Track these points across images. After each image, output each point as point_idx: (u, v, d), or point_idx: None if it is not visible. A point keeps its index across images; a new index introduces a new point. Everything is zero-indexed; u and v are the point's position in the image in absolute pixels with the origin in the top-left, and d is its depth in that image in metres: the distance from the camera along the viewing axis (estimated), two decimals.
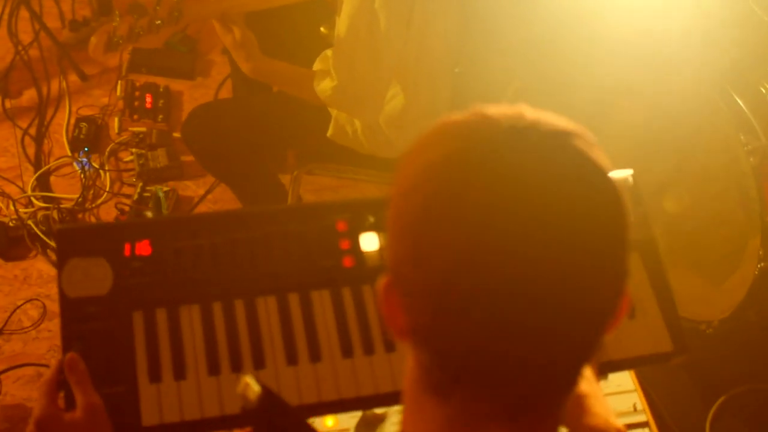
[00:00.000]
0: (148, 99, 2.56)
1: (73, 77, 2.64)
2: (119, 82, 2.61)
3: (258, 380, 0.75)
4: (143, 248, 1.06)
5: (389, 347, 1.04)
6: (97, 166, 2.42)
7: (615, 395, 1.16)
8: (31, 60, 2.64)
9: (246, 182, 2.01)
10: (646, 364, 1.07)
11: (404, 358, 0.67)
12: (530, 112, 0.60)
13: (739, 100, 1.75)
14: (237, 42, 1.69)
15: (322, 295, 1.07)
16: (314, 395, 1.01)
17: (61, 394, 0.98)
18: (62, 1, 2.73)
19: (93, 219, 2.34)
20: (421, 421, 0.64)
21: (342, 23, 1.64)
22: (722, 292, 1.87)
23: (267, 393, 0.74)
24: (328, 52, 1.76)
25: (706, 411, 1.88)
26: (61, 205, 2.32)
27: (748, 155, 1.73)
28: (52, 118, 2.55)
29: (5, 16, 2.60)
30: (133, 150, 2.45)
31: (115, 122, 2.52)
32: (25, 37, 2.66)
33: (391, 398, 1.01)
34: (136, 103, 2.55)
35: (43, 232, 2.22)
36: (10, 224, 2.25)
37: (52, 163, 2.44)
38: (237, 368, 1.02)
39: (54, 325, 2.09)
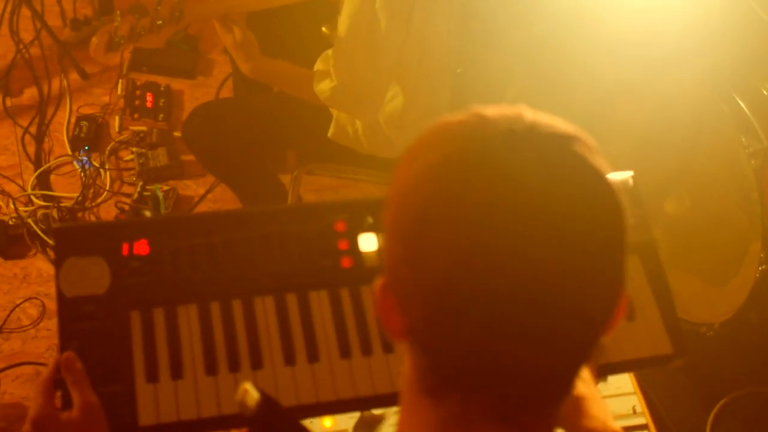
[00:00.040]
0: (149, 98, 2.56)
1: (74, 76, 2.64)
2: (120, 80, 2.60)
3: (257, 387, 0.74)
4: (141, 248, 1.05)
5: (387, 348, 1.04)
6: (97, 165, 2.42)
7: (614, 397, 1.16)
8: (32, 58, 2.64)
9: (246, 182, 2.01)
10: (646, 366, 1.06)
11: (402, 359, 0.66)
12: (529, 113, 0.59)
13: (740, 102, 1.75)
14: (237, 42, 1.69)
15: (320, 296, 1.06)
16: (312, 396, 1.00)
17: (58, 394, 0.98)
18: (64, 0, 2.73)
19: (93, 218, 2.34)
20: (416, 423, 0.64)
21: (342, 23, 1.64)
22: (723, 295, 1.87)
23: (266, 399, 0.74)
24: (330, 52, 1.75)
25: (706, 414, 1.88)
26: (61, 204, 2.32)
27: (749, 157, 1.73)
28: (52, 116, 2.55)
29: (7, 15, 2.60)
30: (134, 149, 2.45)
31: (116, 121, 2.51)
32: (27, 35, 2.66)
33: (388, 399, 1.01)
34: (137, 102, 2.55)
35: (42, 231, 2.22)
36: (10, 222, 2.25)
37: (53, 162, 2.44)
38: (234, 368, 1.01)
39: (53, 324, 2.08)
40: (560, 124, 0.59)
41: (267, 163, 2.00)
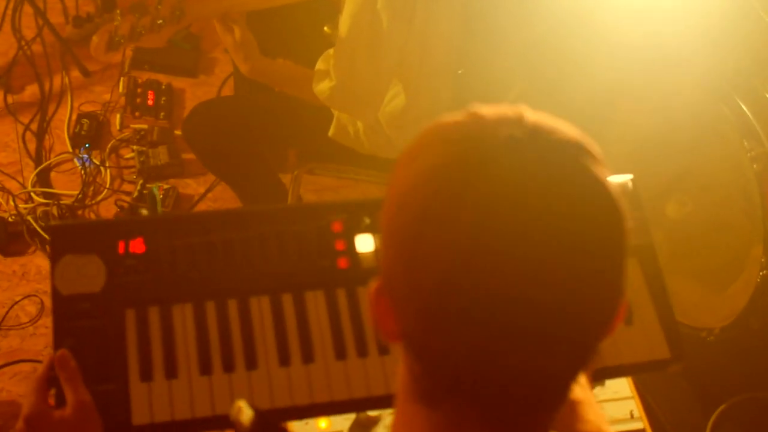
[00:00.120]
0: (150, 96, 2.55)
1: (76, 73, 2.64)
2: (121, 78, 2.60)
3: (251, 404, 0.74)
4: (137, 246, 1.05)
5: (383, 350, 1.04)
6: (97, 163, 2.42)
7: (612, 402, 1.15)
8: (33, 55, 2.64)
9: (246, 181, 2.00)
10: (643, 371, 1.05)
11: (398, 361, 0.66)
12: (530, 114, 0.58)
13: (743, 106, 1.74)
14: (236, 42, 1.69)
15: (317, 296, 1.06)
16: (306, 397, 1.00)
17: (52, 392, 0.98)
18: None
19: (93, 216, 2.34)
20: (410, 427, 0.63)
21: (344, 22, 1.63)
22: (724, 299, 1.86)
23: (260, 417, 0.74)
24: (331, 51, 1.75)
25: (705, 419, 1.87)
26: (61, 201, 2.31)
27: (751, 161, 1.72)
28: (53, 113, 2.55)
29: (9, 12, 2.60)
30: (134, 147, 2.44)
31: (117, 119, 2.51)
32: (29, 32, 2.66)
33: (384, 401, 1.00)
34: (138, 100, 2.55)
35: (42, 228, 2.22)
36: (10, 220, 2.24)
37: (53, 159, 2.44)
38: (229, 368, 1.01)
39: (52, 322, 2.08)
40: (561, 125, 0.59)
41: (267, 162, 2.00)
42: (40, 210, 2.27)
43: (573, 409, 0.86)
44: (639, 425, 1.13)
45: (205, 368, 1.01)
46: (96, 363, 0.99)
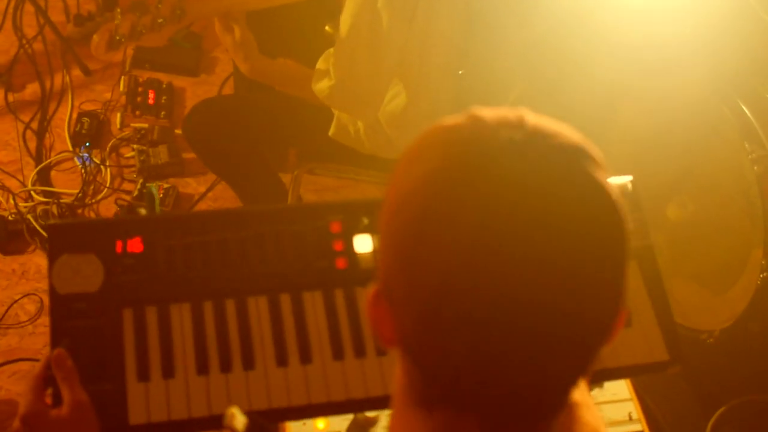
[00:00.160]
0: (151, 95, 2.55)
1: (77, 72, 2.64)
2: (122, 77, 2.60)
3: (244, 411, 0.74)
4: (135, 245, 1.05)
5: (380, 351, 1.03)
6: (98, 162, 2.42)
7: (610, 404, 1.14)
8: (34, 54, 2.64)
9: (246, 180, 2.00)
10: (642, 373, 1.05)
11: (395, 363, 0.65)
12: (530, 117, 0.58)
13: (744, 107, 1.73)
14: (236, 42, 1.69)
15: (315, 297, 1.06)
16: (304, 397, 1.00)
17: (49, 391, 0.97)
18: None
19: (92, 215, 2.33)
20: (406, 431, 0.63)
21: (344, 22, 1.63)
22: (724, 302, 1.86)
23: (253, 422, 0.74)
24: (331, 50, 1.75)
25: (705, 421, 1.86)
26: (61, 200, 2.31)
27: (752, 164, 1.71)
28: (54, 112, 2.55)
29: (10, 10, 2.60)
30: (135, 146, 2.44)
31: (117, 118, 2.51)
32: (30, 30, 2.66)
33: (381, 402, 1.00)
34: (139, 99, 2.55)
35: (42, 227, 2.22)
36: (10, 218, 2.24)
37: (53, 158, 2.44)
38: (226, 368, 1.01)
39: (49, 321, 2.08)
40: (561, 128, 0.58)
41: (267, 162, 2.00)
42: (40, 209, 2.27)
43: (570, 411, 0.86)
44: (637, 427, 1.13)
45: (202, 368, 1.00)
46: (93, 362, 0.99)
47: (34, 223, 2.22)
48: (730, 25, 1.79)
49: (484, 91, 1.82)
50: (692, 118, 1.88)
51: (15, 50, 2.63)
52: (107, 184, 2.38)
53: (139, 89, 2.57)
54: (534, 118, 0.58)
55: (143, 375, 0.99)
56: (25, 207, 2.28)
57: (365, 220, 1.07)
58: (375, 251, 1.06)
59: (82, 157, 2.41)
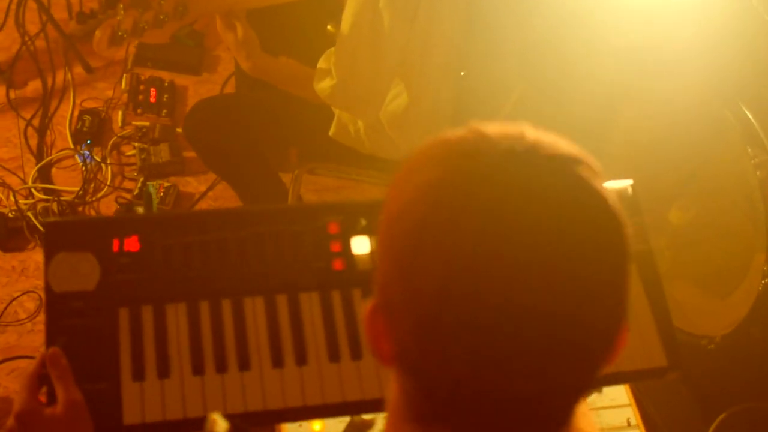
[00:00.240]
0: (153, 93, 2.55)
1: (78, 69, 2.63)
2: (124, 75, 2.60)
3: (225, 416, 0.73)
4: (132, 244, 1.04)
5: None
6: (98, 160, 2.42)
7: (609, 409, 1.14)
8: (37, 51, 2.63)
9: (246, 179, 2.00)
10: (640, 379, 1.04)
11: (390, 377, 0.65)
12: (531, 132, 0.59)
13: (747, 112, 1.72)
14: (238, 40, 1.68)
15: (311, 298, 1.05)
16: (299, 399, 0.99)
17: (44, 389, 0.97)
18: None
19: (93, 212, 2.33)
20: None
21: (345, 21, 1.63)
22: (725, 307, 1.85)
23: (235, 428, 0.73)
24: (333, 50, 1.74)
25: (706, 427, 1.85)
26: (62, 198, 2.31)
27: (755, 168, 1.70)
28: (55, 109, 2.55)
29: (13, 6, 2.60)
30: (136, 144, 2.44)
31: (119, 116, 2.51)
32: (32, 27, 2.66)
33: (377, 404, 0.99)
34: (141, 97, 2.55)
35: (42, 224, 2.21)
36: (10, 215, 2.24)
37: (54, 155, 2.43)
38: (222, 369, 1.00)
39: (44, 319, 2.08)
40: (562, 143, 0.59)
41: (268, 162, 1.99)
42: (40, 206, 2.27)
43: None
44: None
45: (198, 368, 1.00)
46: (88, 361, 0.98)
47: (34, 220, 2.22)
48: (732, 28, 1.78)
49: (485, 91, 1.82)
50: (694, 121, 1.87)
51: (17, 47, 2.63)
52: (108, 182, 2.38)
53: (141, 87, 2.57)
54: (534, 132, 0.59)
55: (138, 374, 0.99)
56: (26, 204, 2.28)
57: (363, 222, 1.07)
58: (372, 253, 1.06)
59: (83, 154, 2.41)
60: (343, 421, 1.10)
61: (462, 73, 1.79)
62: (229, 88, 2.66)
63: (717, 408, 1.87)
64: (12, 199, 2.29)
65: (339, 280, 1.06)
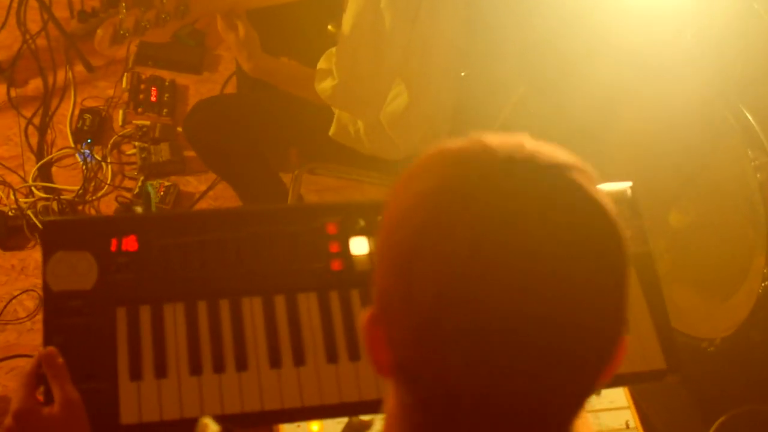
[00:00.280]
0: (154, 92, 2.55)
1: (79, 68, 2.63)
2: (125, 74, 2.60)
3: (216, 418, 0.73)
4: (130, 244, 1.04)
5: None
6: (99, 158, 2.42)
7: (607, 411, 1.13)
8: (38, 49, 2.63)
9: (246, 179, 2.00)
10: (638, 381, 1.04)
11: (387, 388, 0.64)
12: (530, 142, 0.59)
13: (747, 114, 1.72)
14: (239, 40, 1.68)
15: (309, 298, 1.05)
16: (296, 400, 0.99)
17: (41, 389, 0.97)
18: None
19: (93, 211, 2.33)
20: None
21: (347, 21, 1.63)
22: (725, 310, 1.84)
23: (226, 431, 0.73)
24: (334, 50, 1.74)
25: (705, 430, 1.85)
26: (62, 197, 2.31)
27: (755, 171, 1.70)
28: (56, 108, 2.55)
29: (14, 5, 2.60)
30: (136, 143, 2.44)
31: (120, 115, 2.51)
32: (34, 26, 2.66)
33: (374, 405, 0.99)
34: (141, 96, 2.55)
35: (42, 223, 2.21)
36: (10, 214, 2.24)
37: (55, 154, 2.43)
38: (219, 369, 1.00)
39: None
40: (560, 152, 0.59)
41: (268, 161, 1.99)
42: (40, 204, 2.27)
43: None
44: None
45: (195, 368, 1.00)
46: (85, 361, 0.98)
47: (35, 219, 2.22)
48: (733, 29, 1.78)
49: (485, 92, 1.82)
50: (694, 123, 1.87)
51: (18, 45, 2.63)
52: (108, 181, 2.37)
53: (142, 86, 2.57)
54: (533, 142, 0.59)
55: (136, 374, 0.99)
56: (26, 203, 2.28)
57: (362, 222, 1.07)
58: (371, 253, 1.06)
59: (84, 153, 2.41)
60: (341, 421, 1.10)
61: (462, 74, 1.79)
62: (230, 88, 2.65)
63: (716, 410, 1.87)
64: (12, 197, 2.29)
65: (337, 281, 1.05)
